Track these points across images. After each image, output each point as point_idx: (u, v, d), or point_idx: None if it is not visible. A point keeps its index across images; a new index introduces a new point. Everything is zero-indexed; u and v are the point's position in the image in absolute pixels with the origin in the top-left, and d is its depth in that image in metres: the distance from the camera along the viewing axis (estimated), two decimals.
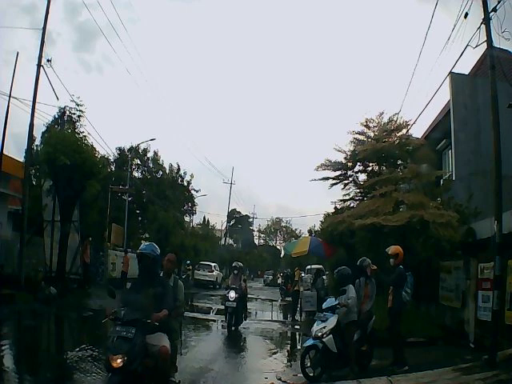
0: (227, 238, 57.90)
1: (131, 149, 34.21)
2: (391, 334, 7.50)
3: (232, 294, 12.04)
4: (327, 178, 14.74)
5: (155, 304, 4.38)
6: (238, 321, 12.32)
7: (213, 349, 9.78)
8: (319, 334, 6.77)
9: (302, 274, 18.54)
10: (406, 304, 7.67)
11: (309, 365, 6.81)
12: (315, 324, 7.06)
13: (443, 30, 11.23)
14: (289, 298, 20.79)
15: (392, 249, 7.67)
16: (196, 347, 9.63)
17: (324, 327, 6.83)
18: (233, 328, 12.06)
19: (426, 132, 16.60)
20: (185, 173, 41.03)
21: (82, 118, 17.53)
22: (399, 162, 13.69)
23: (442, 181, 13.77)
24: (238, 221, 72.13)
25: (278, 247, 78.77)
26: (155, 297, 4.44)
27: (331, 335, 6.76)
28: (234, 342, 11.21)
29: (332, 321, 6.90)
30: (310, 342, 6.88)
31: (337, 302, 7.10)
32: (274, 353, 10.09)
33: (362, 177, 14.76)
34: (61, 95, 23.89)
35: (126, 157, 33.36)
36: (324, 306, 7.28)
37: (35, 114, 15.23)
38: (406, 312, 7.92)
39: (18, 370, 6.72)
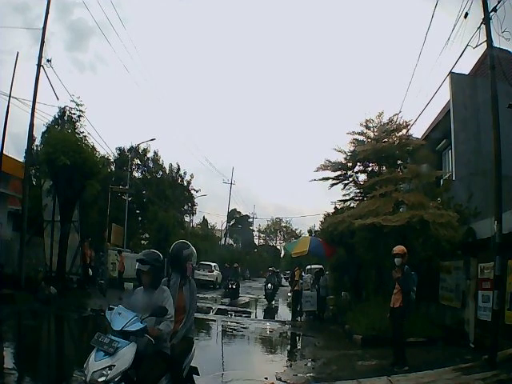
0: (227, 238, 57.92)
1: (131, 149, 34.22)
2: (395, 333, 7.49)
3: None
4: (327, 179, 14.74)
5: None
6: None
7: (212, 349, 9.78)
8: (99, 380, 3.45)
9: (303, 274, 18.56)
10: (413, 303, 7.64)
11: None
12: (93, 355, 3.60)
13: (443, 29, 11.22)
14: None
15: (398, 248, 7.64)
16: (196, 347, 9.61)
17: (110, 367, 3.52)
18: None
19: (426, 132, 16.58)
20: (185, 173, 41.21)
21: (81, 118, 17.50)
22: (399, 162, 13.69)
23: (441, 181, 13.75)
24: (238, 221, 72.11)
25: (278, 247, 78.95)
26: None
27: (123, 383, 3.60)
28: (234, 342, 11.21)
29: (125, 357, 3.61)
30: None
31: (143, 326, 3.77)
32: (274, 353, 10.09)
33: (362, 177, 14.78)
34: (61, 95, 23.87)
35: (126, 157, 33.37)
36: (116, 326, 3.72)
37: (35, 114, 15.27)
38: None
39: (17, 369, 6.70)
